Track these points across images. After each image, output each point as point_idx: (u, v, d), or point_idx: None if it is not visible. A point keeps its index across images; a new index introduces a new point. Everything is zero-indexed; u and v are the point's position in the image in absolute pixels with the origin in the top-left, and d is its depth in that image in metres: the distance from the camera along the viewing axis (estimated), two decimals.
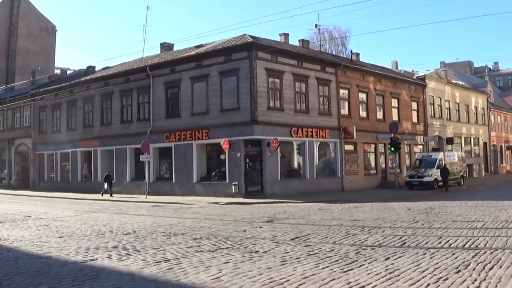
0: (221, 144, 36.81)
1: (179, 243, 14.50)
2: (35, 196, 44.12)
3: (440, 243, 13.72)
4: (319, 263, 11.24)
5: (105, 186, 41.11)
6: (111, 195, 40.15)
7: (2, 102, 61.12)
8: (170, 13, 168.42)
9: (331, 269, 10.59)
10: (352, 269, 10.60)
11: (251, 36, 39.16)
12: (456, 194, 36.63)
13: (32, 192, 49.09)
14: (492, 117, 72.29)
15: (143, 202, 35.38)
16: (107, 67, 54.10)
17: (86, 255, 12.91)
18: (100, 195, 40.39)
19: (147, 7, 75.85)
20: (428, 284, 9.21)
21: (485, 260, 11.09)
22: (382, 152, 48.55)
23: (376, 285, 9.28)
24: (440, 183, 42.05)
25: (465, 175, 49.64)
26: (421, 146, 54.81)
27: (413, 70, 66.54)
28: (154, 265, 11.41)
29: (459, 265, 10.64)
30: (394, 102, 50.74)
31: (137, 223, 20.59)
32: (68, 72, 69.41)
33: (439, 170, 42.37)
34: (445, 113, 59.69)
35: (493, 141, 71.12)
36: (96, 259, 12.32)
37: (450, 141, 57.30)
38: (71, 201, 38.22)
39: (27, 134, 57.13)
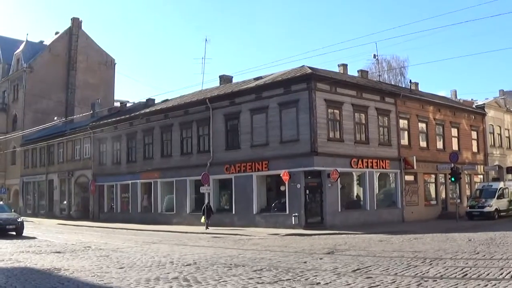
0: (281, 175, 36.88)
1: (239, 275, 14.50)
2: (95, 227, 44.84)
3: (501, 274, 13.49)
4: None
5: (202, 219, 39.31)
6: (206, 228, 38.46)
7: (62, 134, 62.41)
8: (228, 46, 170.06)
9: None
10: None
11: (309, 68, 39.19)
12: None
13: (92, 223, 49.79)
14: None
15: (203, 233, 35.62)
16: (167, 100, 54.70)
17: (147, 285, 13.02)
18: (205, 228, 38.63)
19: (206, 40, 76.37)
20: None
21: None
22: (443, 182, 47.85)
23: None
24: (502, 213, 41.91)
25: None
26: (481, 176, 53.88)
27: (472, 99, 65.57)
28: None
29: None
30: (454, 132, 50.14)
31: (198, 254, 20.70)
32: (128, 104, 70.18)
33: (500, 199, 42.13)
34: (505, 142, 58.79)
35: None
36: None
37: (510, 170, 56.20)
38: (131, 232, 38.78)
39: (87, 166, 58.18)
